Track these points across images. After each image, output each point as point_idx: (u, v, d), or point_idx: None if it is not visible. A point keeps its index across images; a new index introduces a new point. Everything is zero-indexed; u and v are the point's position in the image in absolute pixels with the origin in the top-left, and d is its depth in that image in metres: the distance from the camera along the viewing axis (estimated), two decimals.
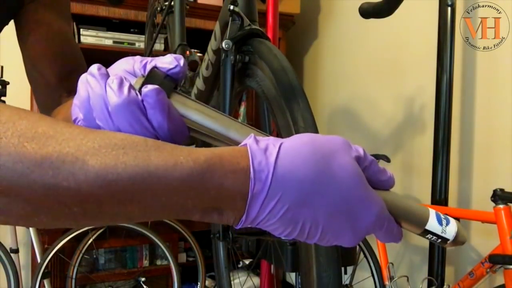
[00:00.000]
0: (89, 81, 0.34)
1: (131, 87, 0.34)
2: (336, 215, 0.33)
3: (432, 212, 0.36)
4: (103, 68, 0.35)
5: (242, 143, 0.34)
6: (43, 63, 0.65)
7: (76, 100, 0.36)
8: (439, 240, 0.36)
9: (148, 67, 0.38)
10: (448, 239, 0.36)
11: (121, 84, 0.33)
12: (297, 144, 0.33)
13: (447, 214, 0.38)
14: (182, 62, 0.37)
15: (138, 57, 0.40)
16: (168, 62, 0.37)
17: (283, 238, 0.35)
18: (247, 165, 0.32)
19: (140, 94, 0.34)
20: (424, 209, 0.37)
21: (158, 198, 0.30)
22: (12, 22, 0.65)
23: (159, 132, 0.34)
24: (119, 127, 0.34)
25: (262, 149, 0.32)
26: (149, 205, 0.31)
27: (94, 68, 0.35)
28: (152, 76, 0.35)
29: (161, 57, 0.38)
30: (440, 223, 0.36)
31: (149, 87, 0.33)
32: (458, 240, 0.36)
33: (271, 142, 0.33)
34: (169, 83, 0.36)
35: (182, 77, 0.37)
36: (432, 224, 0.36)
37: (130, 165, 0.30)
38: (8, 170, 0.28)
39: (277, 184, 0.32)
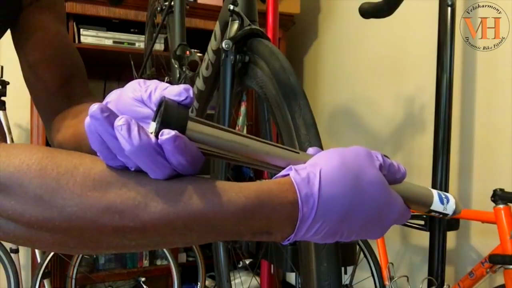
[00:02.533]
0: (98, 130, 0.34)
1: (140, 130, 0.33)
2: (368, 222, 0.39)
3: (435, 194, 0.43)
4: (106, 108, 0.33)
5: (283, 173, 0.38)
6: (42, 68, 0.63)
7: (93, 148, 0.36)
8: (441, 215, 0.44)
9: (154, 98, 0.39)
10: (448, 214, 0.44)
11: (129, 129, 0.33)
12: (333, 169, 0.37)
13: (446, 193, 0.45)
14: (191, 92, 0.36)
15: (143, 84, 0.40)
16: (177, 94, 0.36)
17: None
18: (294, 198, 0.36)
19: (157, 137, 0.33)
20: (428, 191, 0.43)
21: (214, 228, 0.35)
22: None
23: (178, 168, 0.35)
24: (140, 166, 0.34)
25: (305, 180, 0.36)
26: (206, 233, 0.35)
27: (97, 112, 0.33)
28: (166, 111, 0.34)
29: (169, 87, 0.37)
30: (442, 202, 0.43)
31: (165, 135, 0.33)
32: (456, 214, 0.44)
33: (310, 170, 0.37)
34: (183, 111, 0.35)
35: (192, 104, 0.37)
36: (436, 205, 0.43)
37: (188, 204, 0.34)
38: (79, 219, 0.32)
39: (321, 211, 0.36)
